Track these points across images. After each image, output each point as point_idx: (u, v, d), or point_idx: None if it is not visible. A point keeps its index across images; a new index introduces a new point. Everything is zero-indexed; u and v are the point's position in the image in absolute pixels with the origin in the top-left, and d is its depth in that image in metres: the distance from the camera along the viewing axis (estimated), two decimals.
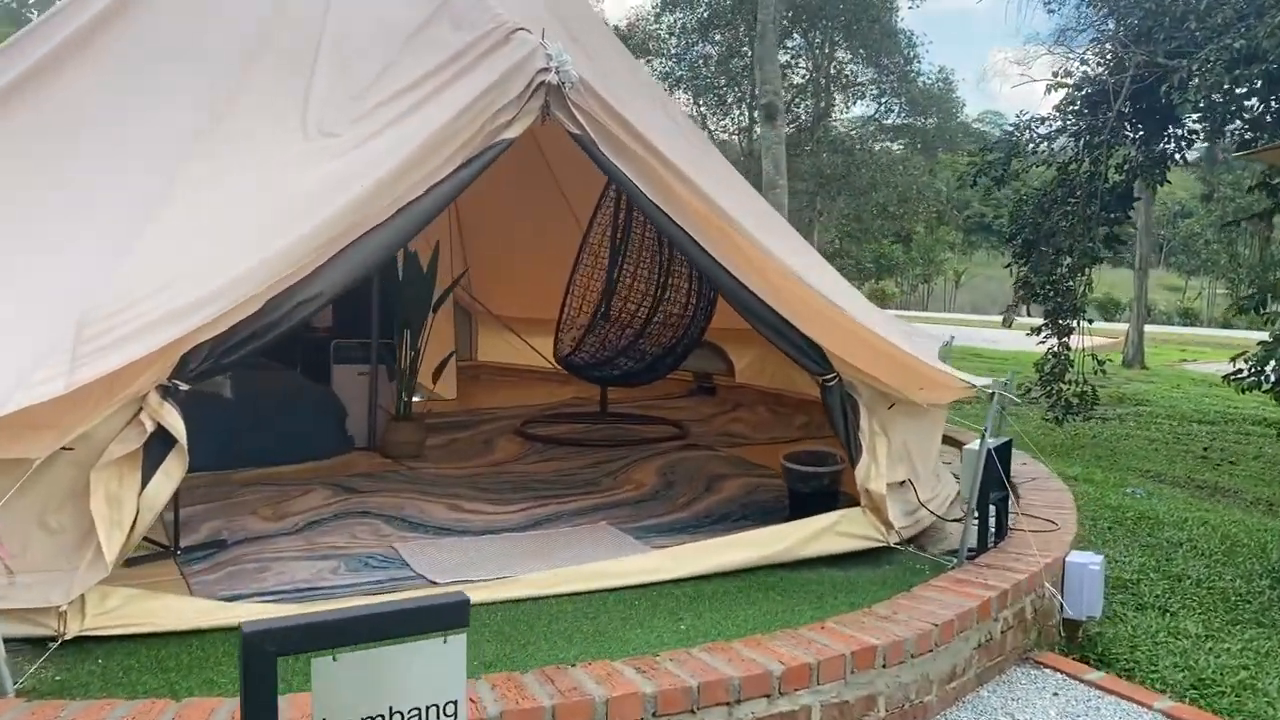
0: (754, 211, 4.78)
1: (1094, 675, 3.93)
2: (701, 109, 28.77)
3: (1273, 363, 8.02)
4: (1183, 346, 28.47)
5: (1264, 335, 8.38)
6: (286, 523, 4.68)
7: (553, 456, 6.35)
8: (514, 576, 3.89)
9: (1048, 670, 3.98)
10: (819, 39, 27.59)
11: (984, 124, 39.98)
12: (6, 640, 3.02)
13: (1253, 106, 8.74)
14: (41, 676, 2.98)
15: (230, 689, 2.87)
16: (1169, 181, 10.77)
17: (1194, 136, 9.99)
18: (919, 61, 27.28)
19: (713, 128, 29.38)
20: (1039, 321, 10.06)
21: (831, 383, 4.42)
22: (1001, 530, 4.55)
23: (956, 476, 4.97)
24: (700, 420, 7.68)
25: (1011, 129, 10.43)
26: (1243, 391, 8.57)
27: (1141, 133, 9.90)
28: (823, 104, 28.40)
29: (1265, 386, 8.26)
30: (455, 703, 2.03)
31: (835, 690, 3.20)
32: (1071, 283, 9.74)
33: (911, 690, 3.43)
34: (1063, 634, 4.26)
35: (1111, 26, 10.55)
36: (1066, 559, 4.26)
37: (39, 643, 3.11)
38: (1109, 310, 43.33)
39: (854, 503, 4.51)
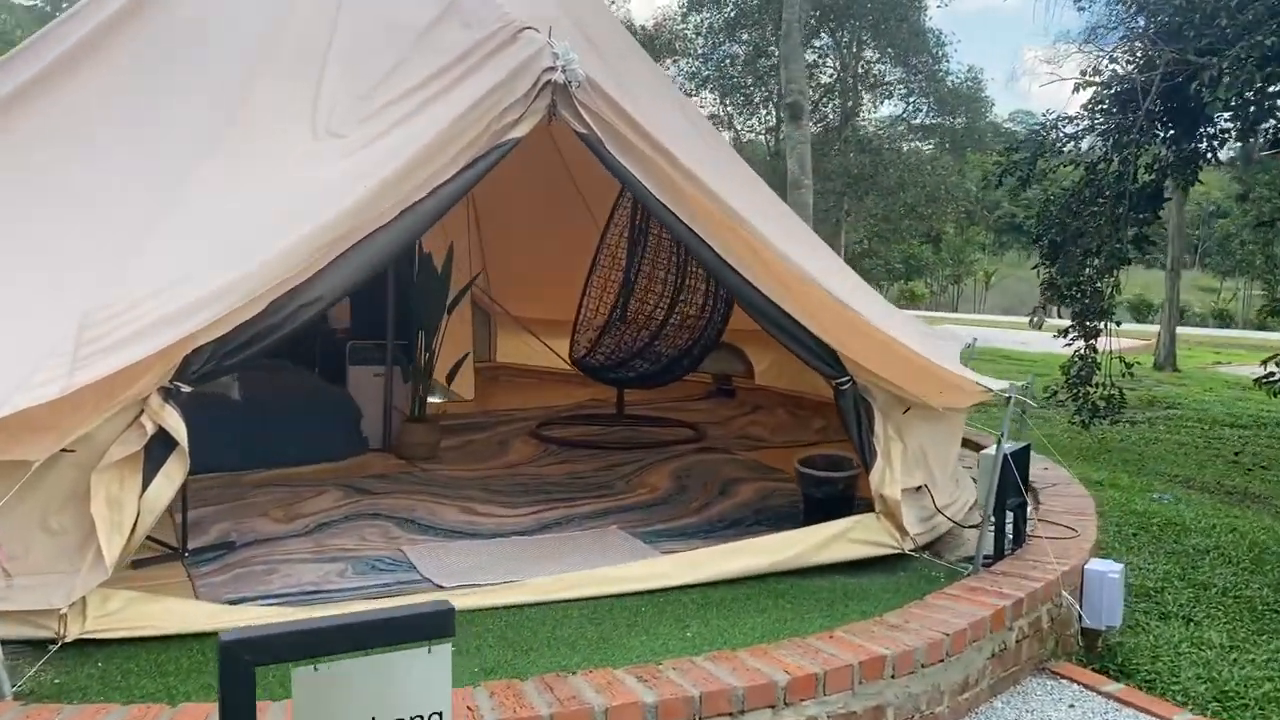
0: (769, 213, 4.72)
1: (1112, 687, 3.84)
2: (728, 109, 28.74)
3: None
4: (1216, 349, 28.00)
5: None
6: (297, 524, 4.67)
7: (567, 459, 6.31)
8: (520, 581, 3.86)
9: (1064, 681, 3.89)
10: (847, 38, 27.46)
11: (1014, 123, 39.59)
12: (7, 643, 3.03)
13: None
14: (40, 679, 2.97)
15: None
16: (1200, 181, 10.56)
17: (1226, 135, 9.79)
18: (947, 61, 27.09)
19: (739, 127, 29.35)
20: (1069, 323, 9.90)
21: (845, 386, 4.34)
22: (1019, 537, 4.46)
23: (976, 481, 4.89)
24: (718, 423, 7.61)
25: (1038, 128, 10.27)
26: (1275, 395, 8.39)
27: (1172, 131, 9.71)
28: (850, 104, 28.25)
29: None
30: (440, 714, 1.99)
31: (842, 701, 3.14)
32: (1099, 284, 9.57)
33: (922, 701, 3.36)
34: (1081, 644, 4.17)
35: (1141, 23, 10.37)
36: (1085, 567, 4.17)
37: (40, 645, 3.11)
38: (1141, 311, 42.73)
39: (870, 508, 4.43)
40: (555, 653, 3.28)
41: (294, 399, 5.97)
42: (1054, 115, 10.14)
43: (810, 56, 25.74)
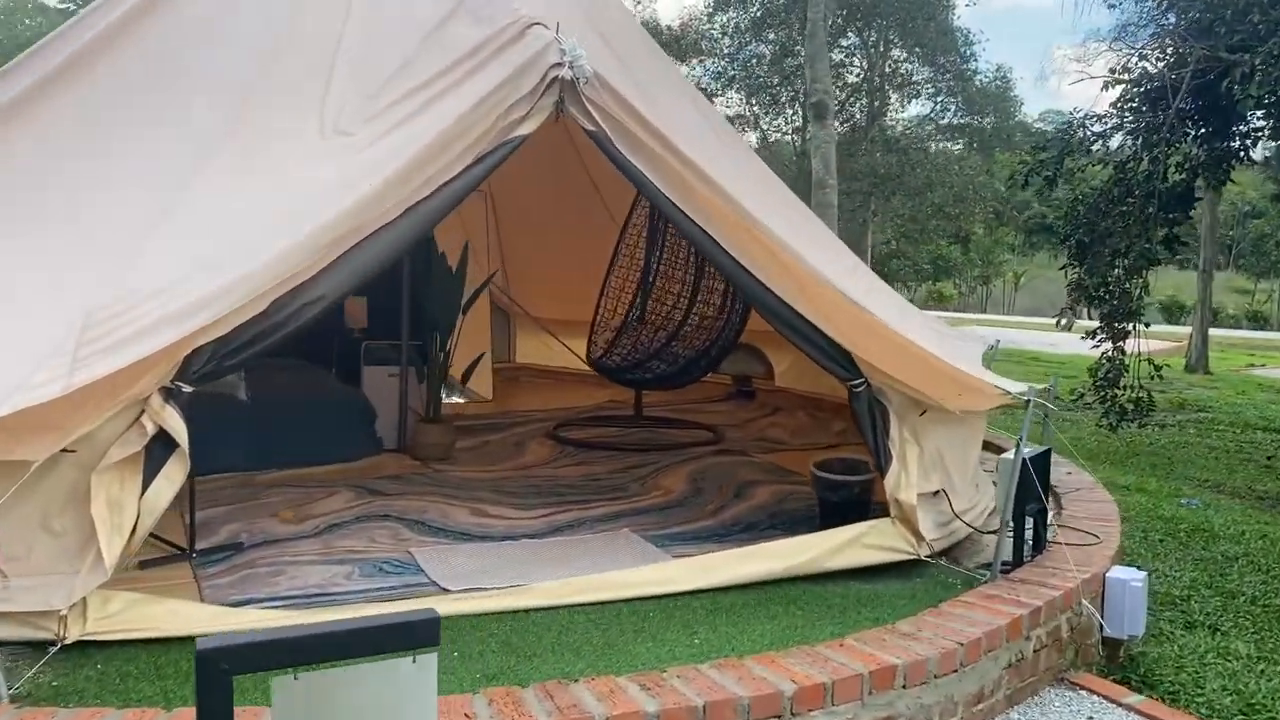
0: (786, 213, 4.64)
1: (1133, 699, 3.73)
2: (754, 108, 28.56)
3: None
4: (1251, 351, 27.50)
5: None
6: (306, 525, 4.64)
7: (583, 460, 6.26)
8: (527, 585, 3.80)
9: (1084, 692, 3.79)
10: (874, 37, 27.23)
11: (1044, 123, 39.14)
12: (7, 644, 3.01)
13: None
14: (38, 681, 2.94)
15: None
16: (1233, 181, 10.35)
17: (1259, 133, 9.58)
18: (976, 60, 26.79)
19: (765, 127, 29.17)
20: (1097, 325, 9.73)
21: (859, 388, 4.26)
22: (1039, 543, 4.35)
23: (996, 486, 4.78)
24: (736, 425, 7.54)
25: (1064, 127, 10.10)
26: None
27: (1203, 130, 9.52)
28: (878, 103, 28.03)
29: None
30: None
31: (851, 711, 3.06)
32: (1128, 285, 9.40)
33: (934, 712, 3.27)
34: (1102, 654, 4.06)
35: (1172, 20, 10.18)
36: (1107, 574, 4.06)
37: (40, 647, 3.08)
38: (1173, 313, 42.14)
39: (887, 513, 4.34)
40: (559, 659, 3.22)
41: (308, 400, 5.95)
42: (1081, 114, 9.97)
43: (837, 56, 25.57)
